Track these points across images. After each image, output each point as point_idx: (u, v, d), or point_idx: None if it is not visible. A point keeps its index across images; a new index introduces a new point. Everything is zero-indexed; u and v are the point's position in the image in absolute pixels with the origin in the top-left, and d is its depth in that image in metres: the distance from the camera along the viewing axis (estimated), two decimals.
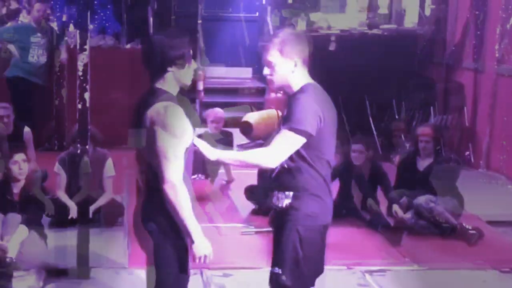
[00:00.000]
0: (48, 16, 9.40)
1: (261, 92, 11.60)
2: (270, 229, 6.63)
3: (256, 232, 6.73)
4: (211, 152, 3.57)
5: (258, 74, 13.32)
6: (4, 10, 9.93)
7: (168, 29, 3.46)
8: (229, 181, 8.41)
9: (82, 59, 5.45)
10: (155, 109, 3.31)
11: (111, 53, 9.82)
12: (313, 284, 3.74)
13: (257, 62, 13.25)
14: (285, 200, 3.60)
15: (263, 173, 7.39)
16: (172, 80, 3.43)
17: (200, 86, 11.26)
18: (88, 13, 5.55)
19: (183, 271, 3.49)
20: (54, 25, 9.72)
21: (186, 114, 3.40)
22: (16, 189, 5.88)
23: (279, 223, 3.66)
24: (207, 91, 11.67)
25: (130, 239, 6.32)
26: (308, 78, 3.64)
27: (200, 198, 7.70)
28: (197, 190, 7.58)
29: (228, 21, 12.69)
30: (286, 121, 3.48)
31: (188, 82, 3.50)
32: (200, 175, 8.02)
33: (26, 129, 7.61)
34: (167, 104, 3.32)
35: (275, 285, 3.66)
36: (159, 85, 3.43)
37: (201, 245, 3.40)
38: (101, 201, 6.58)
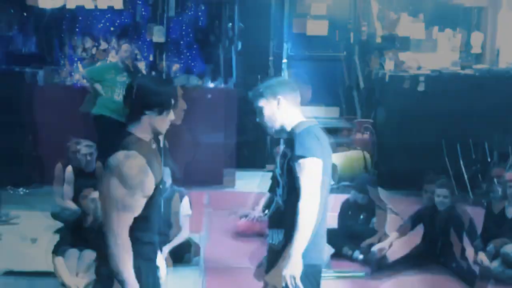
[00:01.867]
0: (136, 56, 9.59)
1: (349, 132, 11.41)
2: (351, 273, 6.56)
3: (336, 277, 6.54)
4: (291, 270, 3.51)
5: (345, 114, 13.23)
6: (94, 50, 10.21)
7: (154, 76, 3.58)
8: None
9: None
10: (116, 156, 3.30)
11: (194, 92, 9.82)
12: None
13: (345, 101, 13.20)
14: (278, 238, 3.68)
15: (344, 217, 7.25)
16: (146, 125, 3.41)
17: None
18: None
19: None
20: (142, 64, 9.94)
21: (151, 165, 3.35)
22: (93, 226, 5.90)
23: (273, 262, 3.67)
24: None
25: (206, 279, 6.30)
26: (302, 118, 3.82)
27: None
28: None
29: (315, 60, 12.64)
30: (295, 152, 3.58)
31: (163, 130, 3.49)
32: None
33: None
34: (129, 153, 3.30)
35: None
36: (132, 129, 3.41)
37: None
38: (178, 240, 6.54)
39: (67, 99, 9.52)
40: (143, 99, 3.38)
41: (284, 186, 3.66)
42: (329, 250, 7.06)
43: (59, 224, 7.43)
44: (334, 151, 10.50)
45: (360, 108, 11.98)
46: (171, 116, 3.47)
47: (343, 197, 8.19)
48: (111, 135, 9.06)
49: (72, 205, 7.47)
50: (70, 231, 5.91)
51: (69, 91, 9.75)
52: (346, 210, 7.27)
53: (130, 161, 3.27)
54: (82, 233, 5.84)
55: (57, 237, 6.52)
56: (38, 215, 7.76)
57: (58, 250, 5.72)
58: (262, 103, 3.81)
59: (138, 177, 3.27)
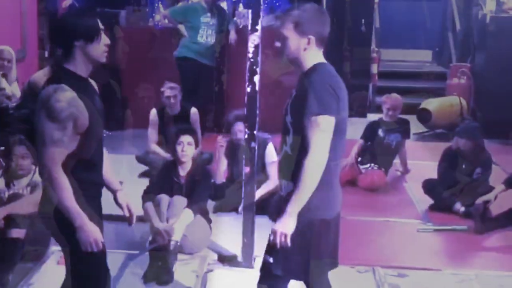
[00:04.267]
0: None
1: (441, 77, 10.85)
2: (452, 227, 6.13)
3: (435, 230, 6.16)
4: (283, 226, 3.31)
5: (439, 57, 12.64)
6: None
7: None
8: (404, 172, 7.78)
9: (253, 40, 5.07)
10: (46, 89, 3.21)
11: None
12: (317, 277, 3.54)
13: (438, 45, 12.60)
14: (287, 190, 3.43)
15: (445, 167, 6.78)
16: (80, 57, 3.28)
17: (374, 69, 10.75)
18: None
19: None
20: (224, 5, 9.55)
21: (86, 103, 3.22)
22: (183, 171, 5.65)
23: (280, 212, 3.40)
24: (382, 75, 11.17)
25: None
26: (321, 58, 3.44)
27: (372, 190, 7.24)
28: (370, 181, 7.23)
29: (408, 1, 12.18)
30: (309, 106, 3.25)
31: (100, 58, 3.32)
32: (373, 165, 7.46)
33: (193, 110, 7.46)
34: (57, 86, 3.19)
35: (266, 273, 3.54)
36: (67, 64, 3.29)
37: (86, 229, 3.26)
38: (266, 188, 6.22)
39: (148, 41, 9.29)
40: (68, 31, 3.26)
41: (294, 134, 3.36)
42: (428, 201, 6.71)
43: (143, 168, 7.30)
44: (428, 96, 10.11)
45: (455, 52, 11.39)
46: (104, 41, 3.31)
47: (437, 145, 7.76)
48: (195, 78, 8.88)
49: (157, 149, 7.31)
50: (161, 176, 5.67)
51: (151, 32, 9.48)
52: (447, 159, 6.79)
53: (58, 94, 3.17)
54: (173, 180, 5.60)
55: (142, 181, 6.44)
56: (121, 158, 7.56)
57: (148, 195, 5.49)
58: (289, 34, 3.36)
59: (66, 111, 3.17)
